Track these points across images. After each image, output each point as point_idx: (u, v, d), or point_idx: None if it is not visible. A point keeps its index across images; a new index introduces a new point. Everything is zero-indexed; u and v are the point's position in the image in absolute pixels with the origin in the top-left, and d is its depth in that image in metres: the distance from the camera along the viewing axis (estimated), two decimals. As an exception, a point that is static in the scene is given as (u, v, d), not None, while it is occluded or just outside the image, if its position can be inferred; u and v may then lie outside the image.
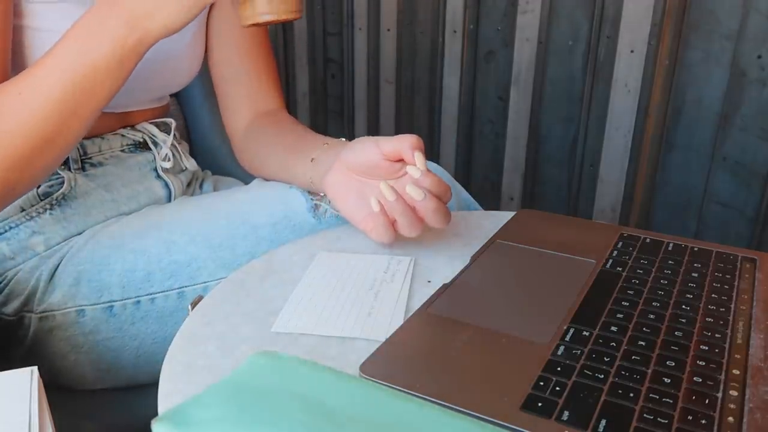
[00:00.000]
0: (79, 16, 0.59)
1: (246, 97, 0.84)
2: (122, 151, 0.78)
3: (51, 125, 0.58)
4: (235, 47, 0.83)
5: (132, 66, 0.60)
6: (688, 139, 1.43)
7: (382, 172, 0.61)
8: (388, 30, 1.75)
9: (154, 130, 0.82)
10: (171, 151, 0.83)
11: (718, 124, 1.39)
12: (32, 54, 0.66)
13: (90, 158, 0.75)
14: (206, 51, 0.84)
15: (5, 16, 0.62)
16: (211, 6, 0.82)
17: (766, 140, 1.34)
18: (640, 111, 1.47)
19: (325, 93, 1.94)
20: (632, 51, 1.43)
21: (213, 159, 1.03)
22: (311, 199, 0.68)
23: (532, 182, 1.66)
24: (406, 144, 0.58)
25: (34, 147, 0.58)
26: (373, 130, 1.86)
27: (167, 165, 0.81)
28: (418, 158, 0.58)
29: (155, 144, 0.81)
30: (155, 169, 0.81)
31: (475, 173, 1.74)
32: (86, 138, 0.75)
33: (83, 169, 0.74)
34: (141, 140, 0.80)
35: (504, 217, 0.71)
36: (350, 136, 1.82)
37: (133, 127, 0.81)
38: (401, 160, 0.60)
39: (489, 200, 1.73)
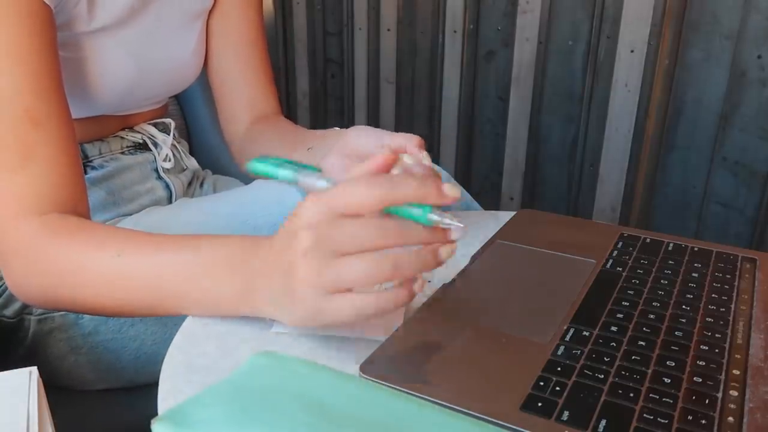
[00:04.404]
0: (129, 41, 0.57)
1: (244, 103, 0.84)
2: (122, 153, 0.78)
3: (101, 294, 0.54)
4: (233, 53, 0.83)
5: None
6: (688, 139, 1.43)
7: None
8: (388, 30, 1.75)
9: (153, 130, 0.82)
10: (171, 151, 0.83)
11: (718, 124, 1.39)
12: (87, 83, 0.68)
13: (91, 161, 0.75)
14: (205, 57, 0.84)
15: (53, 50, 0.58)
16: (211, 11, 0.82)
17: (766, 140, 1.34)
18: (640, 111, 1.47)
19: (325, 93, 1.94)
20: (632, 51, 1.43)
21: (213, 158, 1.03)
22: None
23: (532, 182, 1.66)
24: (414, 142, 0.60)
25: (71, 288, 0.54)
26: (373, 130, 1.86)
27: (168, 165, 0.81)
28: (425, 155, 0.60)
29: (155, 145, 0.81)
30: (156, 170, 0.81)
31: (475, 173, 1.74)
32: (86, 141, 0.75)
33: (85, 172, 0.74)
34: (141, 141, 0.80)
35: (504, 217, 0.71)
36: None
37: (132, 128, 0.81)
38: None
39: (489, 200, 1.73)
